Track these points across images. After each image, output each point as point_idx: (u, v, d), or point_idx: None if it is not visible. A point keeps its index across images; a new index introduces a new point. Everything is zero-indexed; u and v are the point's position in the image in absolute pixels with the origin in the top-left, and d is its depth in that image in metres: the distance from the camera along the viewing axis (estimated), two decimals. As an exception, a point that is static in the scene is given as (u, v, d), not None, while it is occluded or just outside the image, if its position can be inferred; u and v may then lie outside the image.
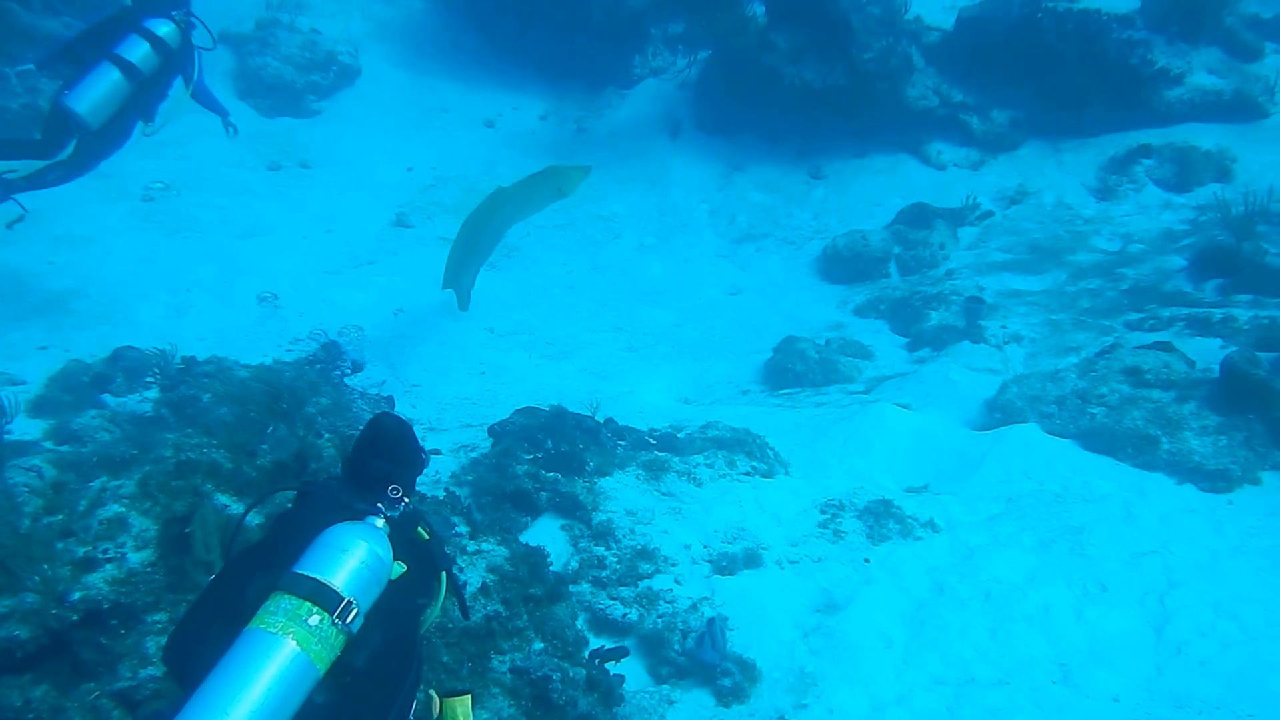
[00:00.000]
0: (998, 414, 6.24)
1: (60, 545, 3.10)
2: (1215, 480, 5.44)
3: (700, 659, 4.13)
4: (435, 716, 2.37)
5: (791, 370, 7.14)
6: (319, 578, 2.06)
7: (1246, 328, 6.65)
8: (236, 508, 3.34)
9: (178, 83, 6.42)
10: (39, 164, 6.24)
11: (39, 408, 5.57)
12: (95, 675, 2.91)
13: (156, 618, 3.02)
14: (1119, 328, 7.17)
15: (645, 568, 4.58)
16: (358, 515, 2.26)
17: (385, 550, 2.19)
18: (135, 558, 3.12)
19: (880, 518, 5.12)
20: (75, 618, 2.94)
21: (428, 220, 9.31)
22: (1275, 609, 4.49)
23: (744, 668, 4.15)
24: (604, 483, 5.11)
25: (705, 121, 10.70)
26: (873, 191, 9.67)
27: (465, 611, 2.87)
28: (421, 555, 2.34)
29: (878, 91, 9.79)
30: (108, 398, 5.67)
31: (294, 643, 1.97)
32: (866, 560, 4.88)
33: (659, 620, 4.31)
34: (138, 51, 6.03)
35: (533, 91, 11.37)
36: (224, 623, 2.05)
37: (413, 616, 2.32)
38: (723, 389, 7.23)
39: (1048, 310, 7.62)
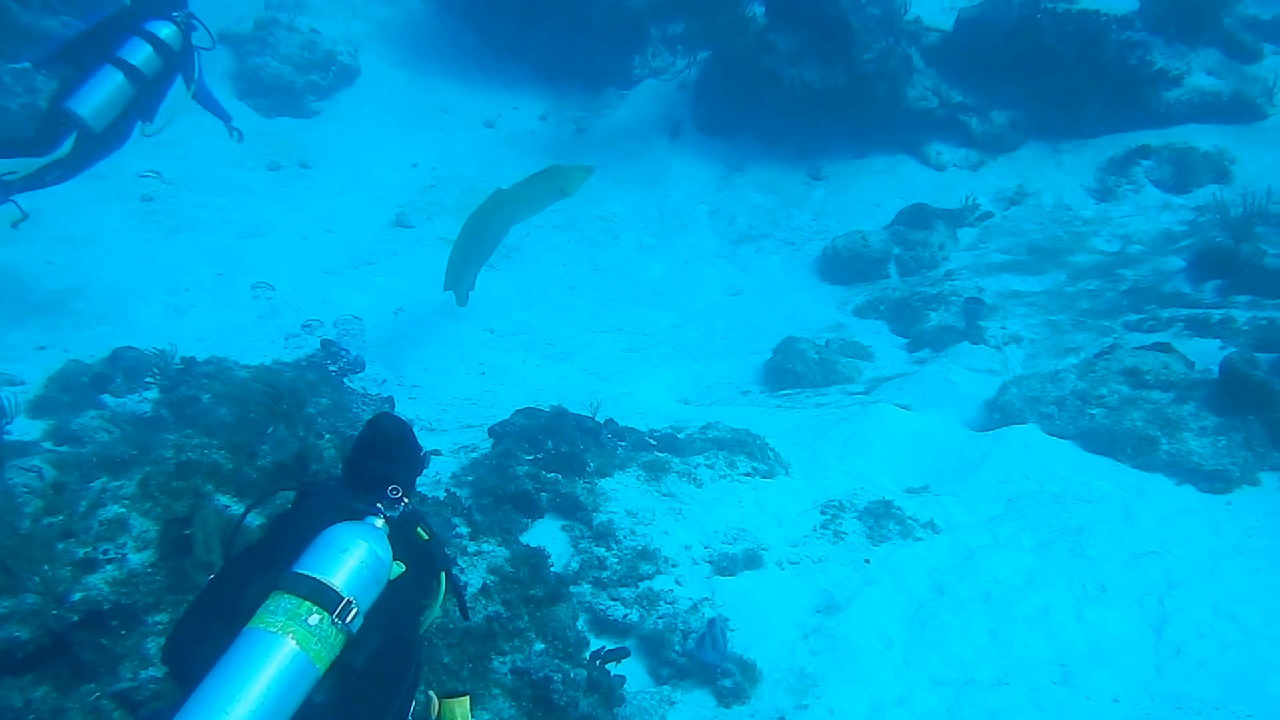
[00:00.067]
0: (997, 415, 6.25)
1: (60, 546, 3.09)
2: (1214, 481, 5.45)
3: (701, 660, 4.13)
4: (434, 717, 2.37)
5: (791, 371, 7.14)
6: (319, 577, 2.07)
7: (1245, 329, 6.66)
8: (237, 509, 3.33)
9: (178, 83, 6.41)
10: (37, 164, 6.22)
11: (38, 408, 5.56)
12: (96, 676, 2.90)
13: (157, 619, 3.02)
14: (1118, 329, 7.18)
15: (646, 568, 4.58)
16: (357, 515, 2.26)
17: (385, 550, 2.19)
18: (136, 558, 3.12)
19: (880, 518, 5.13)
20: (76, 619, 2.94)
21: (427, 220, 9.31)
22: (1274, 609, 4.49)
23: (744, 668, 4.15)
24: (604, 483, 5.11)
25: (705, 122, 10.71)
26: (872, 192, 9.67)
27: (465, 612, 2.86)
28: (421, 555, 2.35)
29: (877, 92, 9.81)
30: (107, 398, 5.65)
31: (293, 642, 1.97)
32: (867, 561, 4.88)
33: (659, 621, 4.31)
34: (140, 54, 6.02)
35: (532, 92, 11.37)
36: (223, 622, 2.06)
37: (412, 617, 2.32)
38: (723, 390, 7.23)
39: (1047, 311, 7.63)
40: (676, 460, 5.40)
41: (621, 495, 5.06)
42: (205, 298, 7.56)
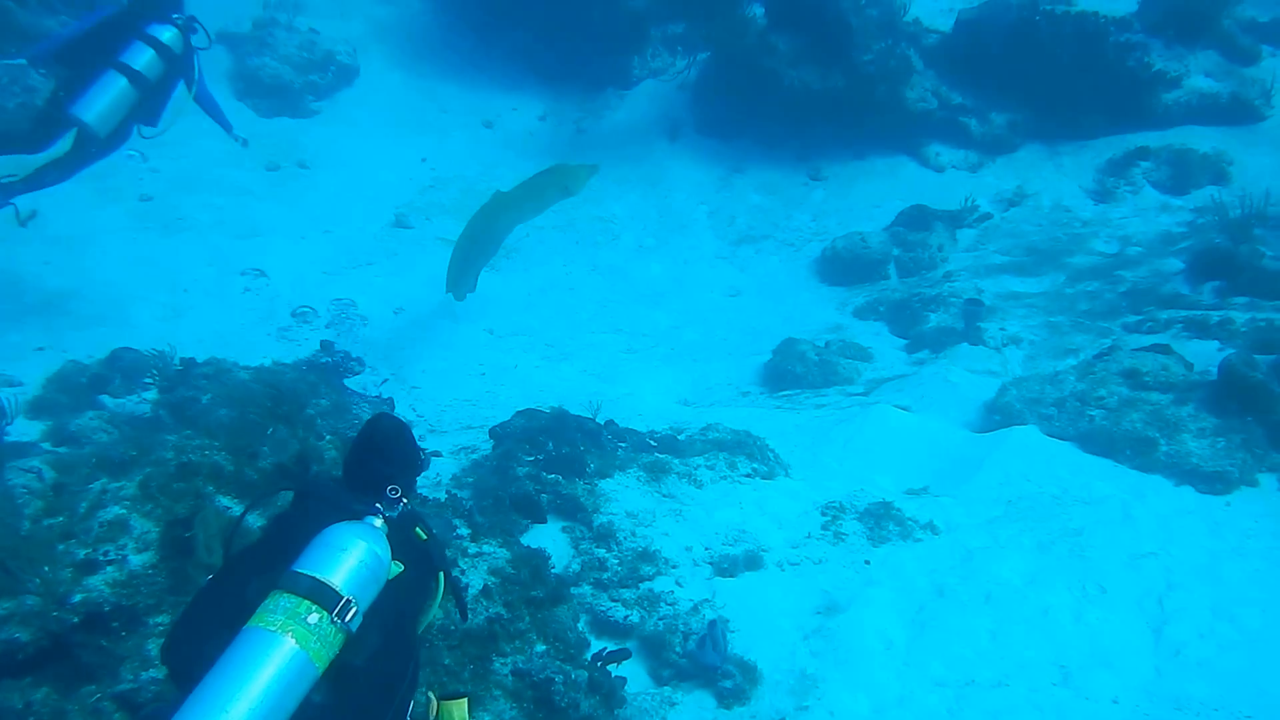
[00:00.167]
0: (997, 416, 6.25)
1: (61, 547, 3.08)
2: (1213, 482, 5.45)
3: (701, 661, 4.13)
4: (433, 718, 2.36)
5: (791, 372, 7.14)
6: (318, 576, 2.06)
7: (1244, 330, 6.67)
8: (238, 510, 3.33)
9: (179, 86, 6.40)
10: (35, 166, 6.20)
11: (36, 409, 5.55)
12: (96, 678, 2.90)
13: (158, 620, 3.01)
14: (1117, 330, 7.19)
15: (646, 570, 4.58)
16: (356, 515, 2.26)
17: (384, 549, 2.19)
18: (136, 560, 3.11)
19: (880, 520, 5.13)
20: (76, 620, 2.93)
21: (427, 221, 9.30)
22: (1273, 611, 4.50)
23: (745, 670, 4.15)
24: (605, 485, 5.11)
25: (704, 123, 10.71)
26: (872, 193, 9.68)
27: (464, 613, 2.86)
28: (419, 556, 2.35)
29: (877, 94, 9.81)
30: (106, 399, 5.65)
31: (293, 640, 1.96)
32: (867, 562, 4.89)
33: (660, 622, 4.31)
34: (142, 58, 6.01)
35: (531, 92, 11.36)
36: (222, 622, 2.05)
37: (411, 616, 2.32)
38: (722, 391, 7.23)
39: (1046, 312, 7.64)
40: (677, 461, 5.40)
41: (622, 496, 5.06)
42: (203, 298, 7.55)
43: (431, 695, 2.41)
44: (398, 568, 2.24)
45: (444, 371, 7.20)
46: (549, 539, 4.68)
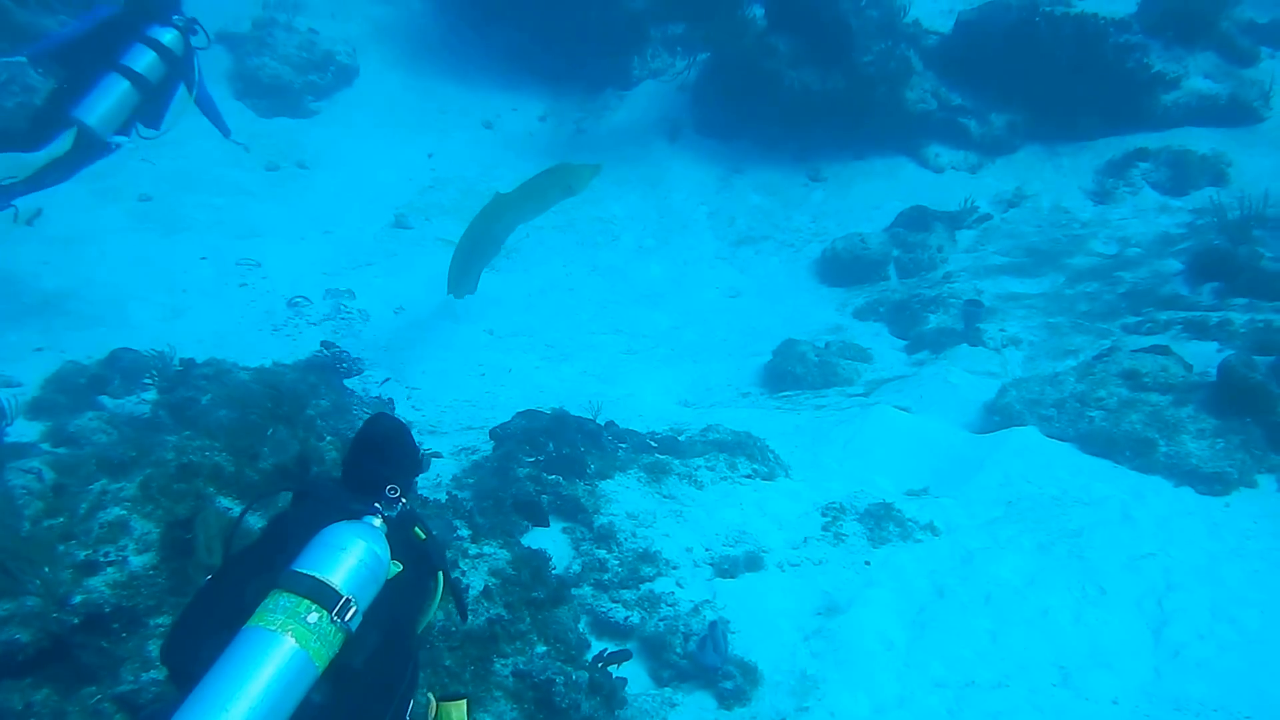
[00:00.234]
0: (997, 417, 6.26)
1: (61, 548, 3.08)
2: (1212, 483, 5.46)
3: (702, 662, 4.13)
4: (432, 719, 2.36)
5: (791, 373, 7.15)
6: (318, 575, 2.07)
7: (1243, 331, 6.68)
8: (239, 511, 3.32)
9: (179, 87, 6.40)
10: (35, 166, 6.19)
11: (36, 409, 5.53)
12: (97, 679, 2.89)
13: (158, 621, 3.01)
14: (1116, 331, 7.20)
15: (647, 570, 4.58)
16: (355, 515, 2.26)
17: (383, 549, 2.20)
18: (137, 561, 3.11)
19: (880, 521, 5.13)
20: (76, 621, 2.93)
21: (426, 221, 9.30)
22: (1272, 611, 4.51)
23: (745, 670, 4.15)
24: (605, 485, 5.11)
25: (704, 123, 10.72)
26: (871, 194, 9.69)
27: (464, 613, 2.85)
28: (418, 555, 2.35)
29: (876, 95, 9.82)
30: (105, 400, 5.63)
31: (292, 640, 1.97)
32: (867, 563, 4.89)
33: (661, 623, 4.31)
34: (144, 60, 6.00)
35: (531, 92, 11.36)
36: (222, 622, 2.05)
37: (410, 616, 2.32)
38: (722, 391, 7.23)
39: (1046, 313, 7.65)
40: (677, 462, 5.40)
41: (622, 497, 5.06)
42: (203, 299, 7.54)
43: (431, 696, 2.41)
44: (397, 567, 2.24)
45: (444, 372, 7.20)
46: (549, 540, 4.68)
